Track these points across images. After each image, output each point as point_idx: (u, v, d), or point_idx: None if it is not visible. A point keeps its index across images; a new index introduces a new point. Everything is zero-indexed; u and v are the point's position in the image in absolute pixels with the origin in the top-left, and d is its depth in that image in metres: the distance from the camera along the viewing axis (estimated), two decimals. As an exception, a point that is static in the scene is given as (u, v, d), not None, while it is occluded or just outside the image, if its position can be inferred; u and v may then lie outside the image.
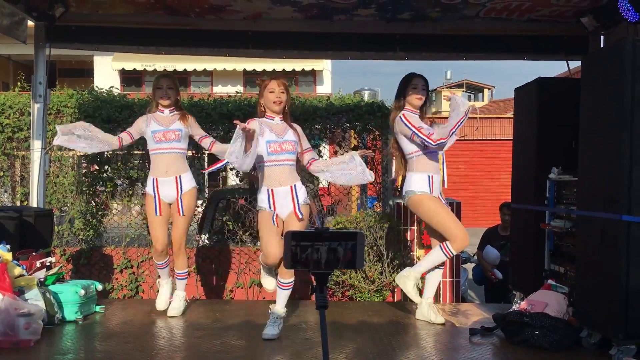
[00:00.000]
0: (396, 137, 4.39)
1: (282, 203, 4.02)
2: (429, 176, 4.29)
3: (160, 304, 4.64)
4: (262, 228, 4.01)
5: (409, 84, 4.35)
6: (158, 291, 4.75)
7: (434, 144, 4.11)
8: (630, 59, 3.34)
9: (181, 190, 4.50)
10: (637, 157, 3.32)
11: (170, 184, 4.49)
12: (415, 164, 4.31)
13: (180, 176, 4.51)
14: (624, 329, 3.32)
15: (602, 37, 5.11)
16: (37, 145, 5.21)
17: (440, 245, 4.30)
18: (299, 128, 4.15)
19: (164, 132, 4.47)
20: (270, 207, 4.01)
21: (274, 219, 4.00)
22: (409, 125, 4.22)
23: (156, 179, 4.49)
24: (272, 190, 4.02)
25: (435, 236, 4.41)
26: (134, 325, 4.31)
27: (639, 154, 3.32)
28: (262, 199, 4.06)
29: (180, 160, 4.53)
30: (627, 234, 3.32)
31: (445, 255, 4.29)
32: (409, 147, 4.33)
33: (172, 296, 4.64)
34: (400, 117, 4.28)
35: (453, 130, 4.06)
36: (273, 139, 3.97)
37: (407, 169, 4.39)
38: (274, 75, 4.14)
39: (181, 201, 4.49)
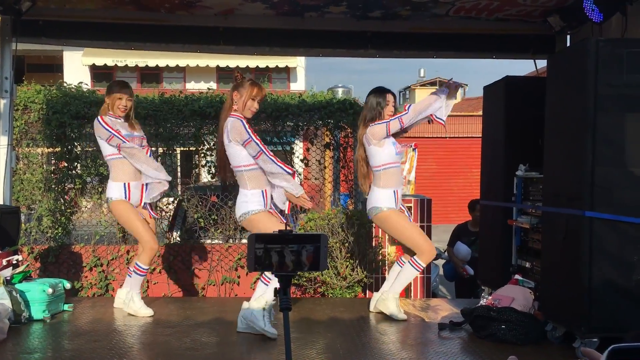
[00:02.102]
0: (366, 150, 4.40)
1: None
2: (394, 191, 4.34)
3: (147, 310, 4.50)
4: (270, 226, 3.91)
5: (382, 101, 4.38)
6: (131, 299, 4.53)
7: (403, 116, 4.30)
8: (593, 59, 3.41)
9: (146, 195, 4.59)
10: (600, 155, 3.40)
11: (139, 188, 4.54)
12: (382, 178, 4.34)
13: (147, 184, 4.58)
14: (587, 322, 3.40)
15: (568, 36, 5.22)
16: (3, 141, 5.10)
17: (409, 262, 4.36)
18: None
19: (132, 137, 4.51)
20: (265, 207, 3.98)
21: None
22: (380, 123, 4.30)
23: (128, 183, 4.47)
24: (265, 190, 4.00)
25: (405, 249, 4.52)
26: (102, 323, 4.27)
27: (602, 152, 3.41)
28: (258, 200, 3.96)
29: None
30: (590, 229, 3.40)
31: (417, 269, 4.36)
32: (377, 160, 4.34)
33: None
34: (370, 126, 4.34)
35: (409, 112, 4.31)
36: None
37: (372, 182, 4.42)
38: (256, 82, 4.07)
39: (148, 205, 4.62)
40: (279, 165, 3.86)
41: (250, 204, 3.91)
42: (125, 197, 4.47)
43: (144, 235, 4.44)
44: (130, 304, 4.46)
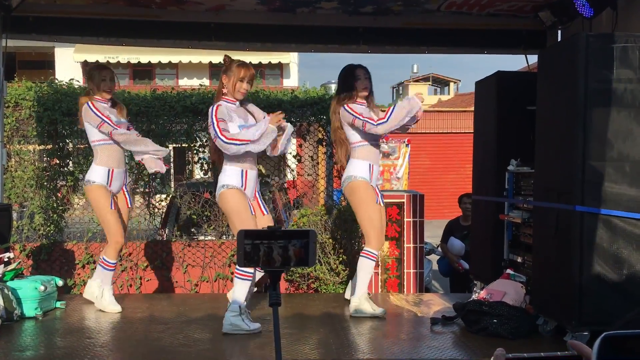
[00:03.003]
0: (342, 127, 4.37)
1: (252, 186, 4.03)
2: (369, 164, 4.31)
3: (116, 306, 4.48)
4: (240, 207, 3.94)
5: (352, 76, 4.35)
6: (102, 295, 4.51)
7: (374, 123, 4.18)
8: (583, 54, 3.43)
9: (125, 182, 4.62)
10: (591, 150, 3.42)
11: (122, 175, 4.56)
12: (358, 152, 4.33)
13: (125, 168, 4.64)
14: (578, 316, 3.42)
15: (559, 32, 5.23)
16: (-6, 138, 5.08)
17: (361, 255, 4.33)
18: (252, 106, 4.17)
19: (120, 124, 4.47)
20: (242, 187, 3.98)
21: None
22: (352, 112, 4.24)
23: (112, 169, 4.46)
24: (246, 171, 4.01)
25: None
26: (95, 320, 4.26)
27: (592, 147, 3.42)
28: (236, 177, 3.97)
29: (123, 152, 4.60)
30: (581, 224, 3.42)
31: (372, 259, 4.31)
32: (353, 137, 4.34)
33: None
34: (344, 107, 4.29)
35: (389, 115, 4.18)
36: (242, 124, 3.96)
37: (350, 157, 4.40)
38: (243, 62, 4.03)
39: (127, 192, 4.63)
40: None
41: (226, 177, 3.93)
42: (107, 184, 4.44)
43: (111, 228, 4.43)
44: (100, 299, 4.45)
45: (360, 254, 4.34)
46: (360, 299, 4.28)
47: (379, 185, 4.53)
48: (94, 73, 4.55)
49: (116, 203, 4.52)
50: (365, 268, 4.31)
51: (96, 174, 4.44)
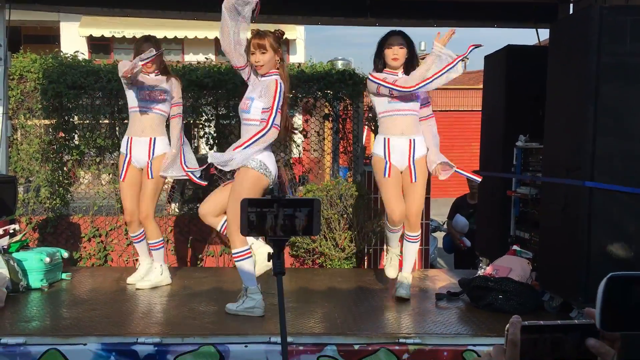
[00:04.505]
0: (372, 101, 4.19)
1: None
2: (384, 138, 4.06)
3: (132, 279, 4.48)
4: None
5: (384, 44, 4.08)
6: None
7: (398, 88, 3.90)
8: (596, 28, 3.35)
9: (153, 154, 4.35)
10: (601, 125, 3.37)
11: (144, 145, 4.34)
12: (380, 126, 4.16)
13: (155, 138, 4.37)
14: (584, 292, 3.40)
15: (571, 5, 5.13)
16: (-2, 110, 5.06)
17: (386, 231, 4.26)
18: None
19: (149, 91, 4.34)
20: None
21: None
22: (375, 80, 3.99)
23: (131, 138, 4.38)
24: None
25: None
26: (101, 292, 4.28)
27: (603, 122, 3.37)
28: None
29: (159, 122, 4.39)
30: (589, 200, 3.38)
31: (390, 232, 4.18)
32: (377, 108, 4.14)
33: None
34: (368, 76, 4.09)
35: (434, 76, 3.91)
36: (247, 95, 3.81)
37: None
38: (255, 32, 3.76)
39: (151, 164, 4.35)
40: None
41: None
42: (126, 152, 4.38)
43: (123, 203, 4.45)
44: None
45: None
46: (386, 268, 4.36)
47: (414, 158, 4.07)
48: (136, 46, 4.46)
49: (138, 177, 4.38)
50: (386, 240, 4.32)
51: (122, 142, 4.45)
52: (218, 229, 3.87)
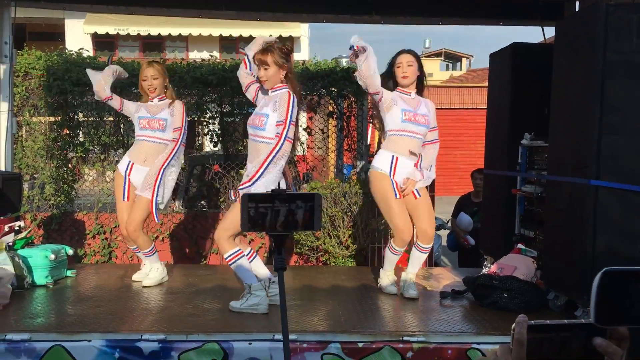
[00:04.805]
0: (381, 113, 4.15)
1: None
2: (392, 156, 4.04)
3: (137, 276, 4.49)
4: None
5: (393, 64, 4.10)
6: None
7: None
8: (602, 25, 3.33)
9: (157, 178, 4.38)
10: (607, 123, 3.35)
11: (144, 173, 4.38)
12: (387, 142, 4.12)
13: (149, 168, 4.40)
14: (589, 291, 3.38)
15: (577, 2, 5.10)
16: (3, 107, 5.07)
17: (388, 248, 4.21)
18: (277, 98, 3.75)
19: (149, 119, 4.39)
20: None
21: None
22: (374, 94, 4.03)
23: (132, 163, 4.42)
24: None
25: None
26: (105, 289, 4.29)
27: (609, 120, 3.35)
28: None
29: (160, 150, 4.41)
30: (595, 198, 3.37)
31: (393, 254, 4.18)
32: (388, 125, 4.10)
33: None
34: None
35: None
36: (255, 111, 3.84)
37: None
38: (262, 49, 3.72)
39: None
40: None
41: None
42: (125, 175, 4.42)
43: (120, 218, 4.53)
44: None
45: (387, 246, 4.23)
46: (381, 276, 4.30)
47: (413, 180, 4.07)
48: (140, 72, 4.51)
49: (134, 195, 4.39)
50: (386, 257, 4.26)
51: (122, 160, 4.53)
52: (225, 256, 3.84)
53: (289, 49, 3.79)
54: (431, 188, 5.64)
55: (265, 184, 3.57)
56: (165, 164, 4.35)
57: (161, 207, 4.44)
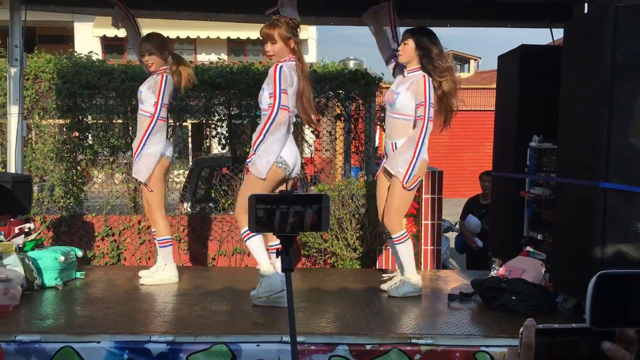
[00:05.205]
0: None
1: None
2: (387, 142, 4.22)
3: (142, 273, 4.54)
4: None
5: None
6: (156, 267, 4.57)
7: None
8: (611, 27, 3.32)
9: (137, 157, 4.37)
10: (616, 125, 3.33)
11: (135, 148, 4.41)
12: None
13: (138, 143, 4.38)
14: (598, 293, 3.36)
15: (586, 4, 5.08)
16: (14, 110, 5.11)
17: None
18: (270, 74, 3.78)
19: (139, 94, 4.44)
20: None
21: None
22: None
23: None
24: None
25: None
26: (114, 291, 4.31)
27: (618, 122, 3.34)
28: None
29: (143, 125, 4.37)
30: (604, 200, 3.35)
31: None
32: None
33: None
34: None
35: None
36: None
37: None
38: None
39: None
40: None
41: None
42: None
43: None
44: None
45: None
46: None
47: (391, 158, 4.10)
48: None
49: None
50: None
51: None
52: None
53: (296, 23, 3.83)
54: (438, 190, 5.65)
55: (267, 152, 3.66)
56: (142, 142, 4.31)
57: (142, 180, 4.36)
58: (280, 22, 3.76)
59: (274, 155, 3.69)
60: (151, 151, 4.34)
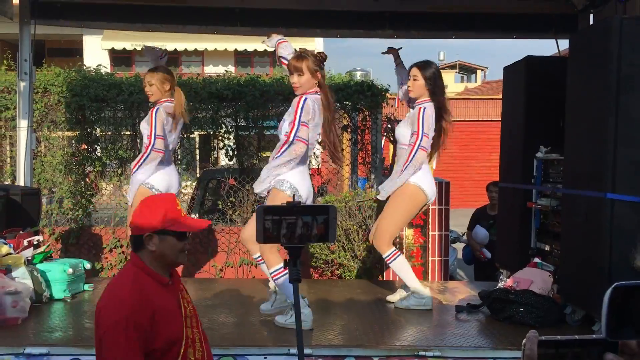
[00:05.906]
0: None
1: None
2: None
3: None
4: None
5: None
6: None
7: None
8: (616, 38, 3.33)
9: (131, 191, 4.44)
10: (623, 136, 3.33)
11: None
12: None
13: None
14: (607, 305, 3.35)
15: (591, 15, 5.10)
16: (23, 123, 5.17)
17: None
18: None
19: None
20: None
21: None
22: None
23: None
24: None
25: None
26: (122, 303, 4.31)
27: (625, 133, 3.33)
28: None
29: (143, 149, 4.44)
30: (611, 211, 3.34)
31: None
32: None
33: None
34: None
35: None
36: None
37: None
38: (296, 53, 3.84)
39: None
40: None
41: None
42: None
43: None
44: None
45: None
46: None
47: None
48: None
49: None
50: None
51: None
52: (254, 257, 3.92)
53: (323, 57, 3.83)
54: (445, 200, 5.64)
55: (273, 178, 3.65)
56: (135, 168, 4.35)
57: (128, 201, 4.44)
58: (308, 55, 3.76)
59: (275, 179, 3.67)
60: (137, 178, 4.38)
